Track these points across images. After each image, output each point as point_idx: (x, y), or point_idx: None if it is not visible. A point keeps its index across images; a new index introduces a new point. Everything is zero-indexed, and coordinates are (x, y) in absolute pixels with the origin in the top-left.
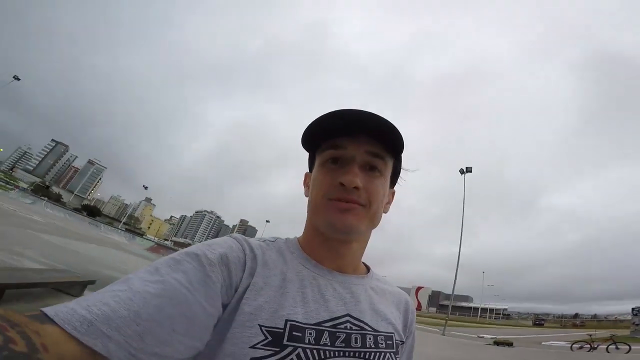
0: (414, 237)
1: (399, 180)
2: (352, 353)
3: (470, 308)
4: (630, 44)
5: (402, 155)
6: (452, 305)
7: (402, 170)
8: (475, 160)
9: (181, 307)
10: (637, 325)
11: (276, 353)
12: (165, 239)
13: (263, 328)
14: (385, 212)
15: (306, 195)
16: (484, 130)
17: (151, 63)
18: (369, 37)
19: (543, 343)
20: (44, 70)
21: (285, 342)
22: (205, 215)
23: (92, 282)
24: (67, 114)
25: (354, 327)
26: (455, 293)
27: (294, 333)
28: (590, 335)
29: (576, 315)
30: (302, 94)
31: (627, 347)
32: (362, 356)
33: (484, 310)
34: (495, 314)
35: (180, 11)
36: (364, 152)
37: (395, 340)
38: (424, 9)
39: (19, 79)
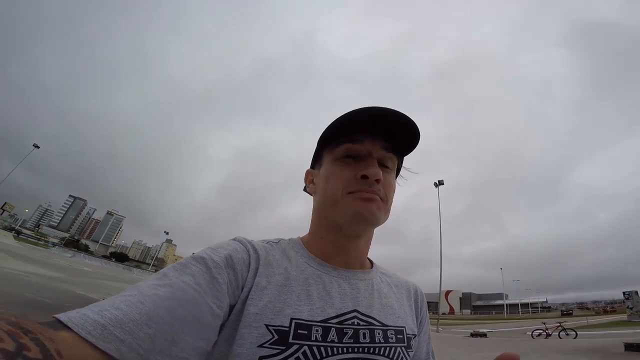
0: (438, 238)
1: (397, 180)
2: (361, 349)
3: (502, 305)
4: (607, 11)
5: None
6: (484, 305)
7: (402, 168)
8: (491, 149)
9: (190, 309)
10: (631, 309)
11: (282, 351)
12: None
13: (269, 327)
14: None
15: (310, 192)
16: (492, 118)
17: (146, 103)
18: (358, 40)
19: (527, 333)
20: (46, 125)
21: (291, 340)
22: None
23: None
24: (76, 167)
25: (361, 323)
26: (487, 292)
27: (300, 331)
28: (544, 323)
29: (614, 302)
30: (301, 109)
31: (574, 333)
32: (371, 351)
33: (524, 305)
34: (532, 307)
35: (162, 46)
36: (379, 147)
37: (407, 334)
38: (405, 7)
39: (38, 147)
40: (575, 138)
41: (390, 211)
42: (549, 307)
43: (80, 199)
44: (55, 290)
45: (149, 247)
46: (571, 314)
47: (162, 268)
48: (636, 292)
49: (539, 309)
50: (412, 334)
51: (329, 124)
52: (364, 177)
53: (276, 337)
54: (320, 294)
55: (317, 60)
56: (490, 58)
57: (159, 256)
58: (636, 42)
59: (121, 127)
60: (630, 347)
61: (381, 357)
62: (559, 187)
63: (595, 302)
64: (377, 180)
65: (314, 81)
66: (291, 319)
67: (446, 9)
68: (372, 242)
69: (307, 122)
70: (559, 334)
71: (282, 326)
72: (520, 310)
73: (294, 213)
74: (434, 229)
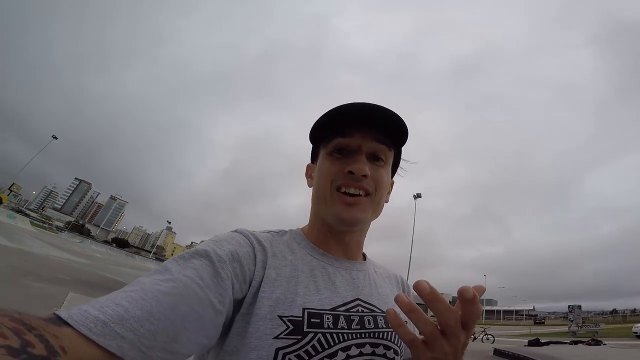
0: (438, 241)
1: (398, 171)
2: (367, 334)
3: (493, 311)
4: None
5: (403, 146)
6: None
7: (401, 160)
8: (503, 150)
9: (192, 304)
10: (571, 321)
11: (299, 340)
12: None
13: (283, 318)
14: (386, 202)
15: (309, 186)
16: (508, 117)
17: (153, 84)
18: (374, 29)
19: None
20: (50, 103)
21: (305, 329)
22: None
23: None
24: (81, 148)
25: (365, 310)
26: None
27: (313, 320)
28: (483, 329)
29: (614, 311)
30: (309, 97)
31: (492, 338)
32: (377, 336)
33: (508, 312)
34: (517, 315)
35: (171, 25)
36: (370, 141)
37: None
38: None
39: (56, 138)
40: (590, 145)
41: (383, 204)
42: (536, 315)
43: (85, 182)
44: (94, 275)
45: (148, 234)
46: (543, 322)
47: (162, 256)
48: (579, 307)
49: (524, 316)
50: (405, 321)
51: (318, 118)
52: (351, 172)
53: (291, 327)
54: (326, 284)
55: (330, 46)
56: (512, 54)
57: (158, 244)
58: None
59: (127, 108)
60: (498, 352)
61: (386, 341)
62: (568, 194)
63: (587, 312)
64: (364, 176)
65: (325, 68)
66: (303, 309)
67: (470, 2)
68: (367, 239)
69: (315, 110)
70: (481, 338)
71: (295, 316)
72: (502, 316)
73: (294, 204)
74: (431, 229)
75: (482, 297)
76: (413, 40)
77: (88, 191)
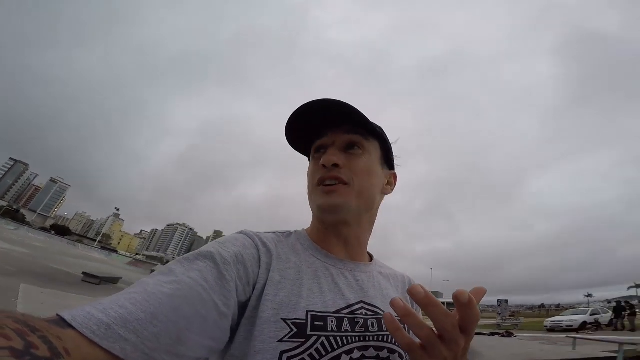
0: (394, 235)
1: (396, 162)
2: (371, 337)
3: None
4: (612, 23)
5: (388, 136)
6: None
7: (392, 147)
8: (457, 150)
9: (196, 306)
10: (499, 314)
11: (302, 344)
12: (136, 254)
13: (287, 321)
14: (386, 194)
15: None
16: (468, 118)
17: (110, 63)
18: (352, 23)
19: None
20: None
21: (309, 332)
22: (178, 228)
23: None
24: (21, 127)
25: (369, 313)
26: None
27: (316, 323)
28: None
29: (542, 306)
30: (280, 85)
31: None
32: (380, 339)
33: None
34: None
35: (136, 5)
36: (341, 134)
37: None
38: None
39: None
40: (536, 150)
41: (373, 194)
42: None
43: (21, 162)
44: (38, 265)
45: (93, 221)
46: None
47: (107, 244)
48: (506, 301)
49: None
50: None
51: (285, 127)
52: (323, 165)
53: (295, 330)
54: (330, 287)
55: (307, 37)
56: (479, 58)
57: (104, 231)
58: (625, 60)
59: (76, 88)
60: None
61: (390, 344)
62: (512, 195)
63: (519, 306)
64: (337, 165)
65: (299, 58)
66: (307, 312)
67: (448, 5)
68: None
69: (284, 100)
70: None
71: (299, 319)
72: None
73: (254, 195)
74: (388, 224)
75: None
76: (388, 37)
77: (24, 172)
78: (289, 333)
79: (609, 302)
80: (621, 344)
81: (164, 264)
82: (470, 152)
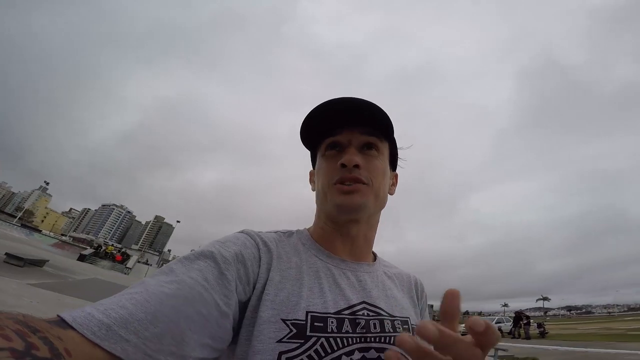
0: None
1: (399, 163)
2: (373, 338)
3: None
4: (576, 60)
5: (396, 137)
6: None
7: (398, 151)
8: (416, 160)
9: (197, 306)
10: None
11: (302, 344)
12: (62, 234)
13: (286, 322)
14: (391, 194)
15: (313, 190)
16: (424, 130)
17: (69, 30)
18: (338, 21)
19: None
20: None
21: (308, 333)
22: (114, 209)
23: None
24: None
25: (371, 314)
26: None
27: (316, 324)
28: None
29: (466, 313)
30: (252, 72)
31: None
32: (382, 340)
33: None
34: None
35: None
36: (359, 134)
37: (411, 324)
38: (395, 6)
39: None
40: (480, 169)
41: (385, 195)
42: None
43: None
44: None
45: (13, 193)
46: None
47: (29, 222)
48: (431, 306)
49: None
50: (416, 325)
51: (303, 120)
52: (343, 165)
53: (294, 331)
54: (331, 287)
55: (292, 27)
56: (449, 74)
57: (27, 207)
58: (574, 95)
59: (24, 46)
60: None
61: (391, 346)
62: (454, 208)
63: None
64: (357, 166)
65: (279, 47)
66: (307, 312)
67: (434, 18)
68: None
69: (254, 87)
70: None
71: (298, 320)
72: None
73: (205, 182)
74: None
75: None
76: (369, 42)
77: None
78: (288, 334)
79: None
80: (496, 349)
81: (94, 248)
82: (422, 163)
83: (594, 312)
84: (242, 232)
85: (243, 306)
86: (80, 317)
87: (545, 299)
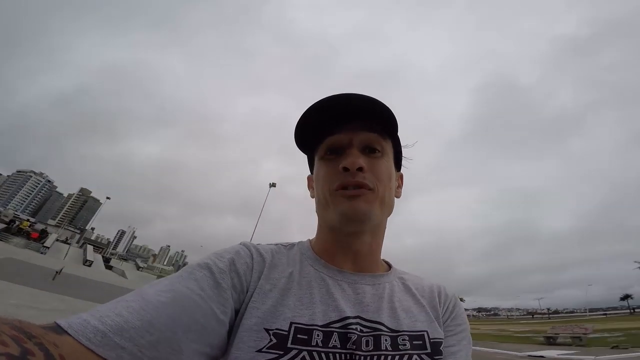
0: (290, 227)
1: (403, 163)
2: (362, 357)
3: None
4: (529, 79)
5: (399, 135)
6: None
7: (402, 149)
8: None
9: (193, 315)
10: None
11: (280, 356)
12: None
13: (269, 331)
14: (398, 197)
15: (312, 197)
16: None
17: None
18: (318, 11)
19: None
20: None
21: (289, 345)
22: (31, 177)
23: None
24: None
25: (365, 329)
26: None
27: (299, 336)
28: None
29: None
30: (218, 48)
31: None
32: (375, 359)
33: None
34: None
35: None
36: (360, 132)
37: (430, 339)
38: (376, 6)
39: None
40: (425, 174)
41: (393, 200)
42: None
43: None
44: None
45: None
46: None
47: None
48: None
49: None
50: (438, 338)
51: (299, 120)
52: (345, 169)
53: (274, 341)
54: (322, 298)
55: (270, 7)
56: (413, 82)
57: None
58: (519, 115)
59: None
60: None
61: None
62: (398, 210)
63: None
64: (361, 169)
65: (250, 27)
66: (291, 323)
67: (411, 24)
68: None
69: (218, 64)
70: None
71: (280, 330)
72: None
73: (143, 155)
74: (286, 215)
75: None
76: (343, 38)
77: None
78: (268, 343)
79: None
80: None
81: (5, 223)
82: None
83: (500, 315)
84: (240, 243)
85: (236, 314)
86: (76, 324)
87: (461, 299)
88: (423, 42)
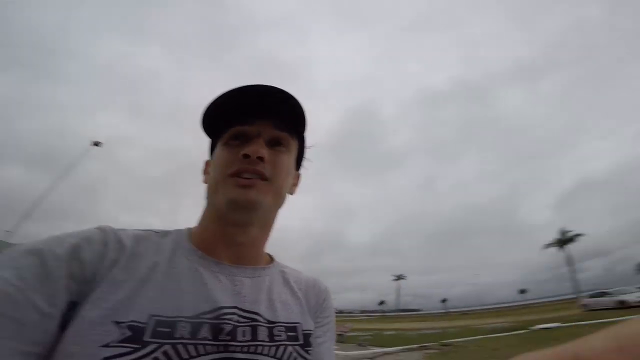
0: (105, 195)
1: (303, 163)
2: (239, 348)
3: None
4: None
5: (306, 136)
6: None
7: (306, 150)
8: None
9: (5, 308)
10: None
11: (135, 350)
12: None
13: (121, 324)
14: (291, 194)
15: (204, 182)
16: None
17: None
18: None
19: None
20: None
21: (147, 338)
22: None
23: None
24: None
25: (241, 320)
26: None
27: (160, 328)
28: None
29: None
30: (182, 30)
31: None
32: (251, 350)
33: None
34: None
35: None
36: (271, 128)
37: (303, 331)
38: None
39: None
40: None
41: (286, 195)
42: None
43: None
44: None
45: None
46: None
47: None
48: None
49: None
50: (309, 330)
51: (210, 103)
52: (246, 156)
53: (127, 334)
54: (193, 288)
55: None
56: (301, 86)
57: None
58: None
59: None
60: None
61: (263, 357)
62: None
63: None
64: (262, 159)
65: (230, 13)
66: (150, 315)
67: (339, 30)
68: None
69: (172, 44)
70: None
71: (136, 322)
72: None
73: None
74: (107, 181)
75: None
76: (325, 40)
77: None
78: (117, 338)
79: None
80: None
81: None
82: None
83: None
84: (96, 227)
85: (73, 306)
86: None
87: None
88: (332, 51)
